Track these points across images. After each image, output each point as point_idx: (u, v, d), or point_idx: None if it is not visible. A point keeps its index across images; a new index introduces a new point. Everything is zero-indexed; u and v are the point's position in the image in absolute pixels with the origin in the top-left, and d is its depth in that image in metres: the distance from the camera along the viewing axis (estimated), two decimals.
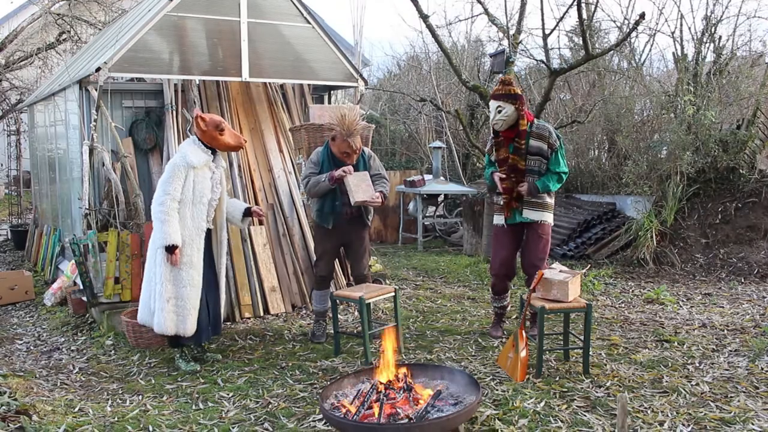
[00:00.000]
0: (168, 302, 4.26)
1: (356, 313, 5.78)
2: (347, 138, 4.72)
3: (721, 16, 8.82)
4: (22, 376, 4.32)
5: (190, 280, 4.30)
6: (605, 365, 4.34)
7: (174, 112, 5.98)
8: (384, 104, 15.57)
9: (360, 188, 4.76)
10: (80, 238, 5.41)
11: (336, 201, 4.86)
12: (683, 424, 3.40)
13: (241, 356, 4.73)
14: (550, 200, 4.89)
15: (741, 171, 7.83)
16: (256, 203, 6.08)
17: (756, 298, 6.27)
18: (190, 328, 4.32)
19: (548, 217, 4.89)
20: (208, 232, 4.49)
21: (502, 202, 4.91)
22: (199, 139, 4.38)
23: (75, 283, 5.99)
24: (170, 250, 4.20)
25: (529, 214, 4.84)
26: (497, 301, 5.15)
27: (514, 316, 5.48)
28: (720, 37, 8.77)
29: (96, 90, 5.48)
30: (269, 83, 6.47)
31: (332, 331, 4.80)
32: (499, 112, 4.67)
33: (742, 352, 4.60)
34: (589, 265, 7.50)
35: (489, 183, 5.00)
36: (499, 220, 5.00)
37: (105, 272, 5.35)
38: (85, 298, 5.53)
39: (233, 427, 3.52)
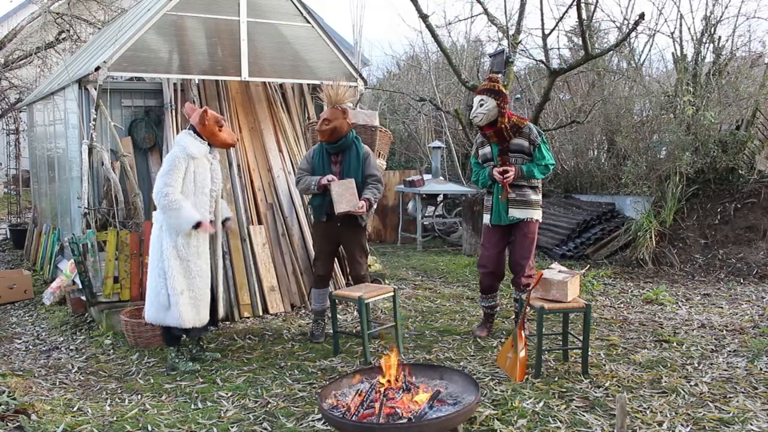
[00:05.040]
0: (182, 295, 4.28)
1: (355, 312, 5.77)
2: (332, 107, 4.72)
3: (721, 17, 8.82)
4: (21, 376, 4.31)
5: (198, 271, 4.34)
6: (604, 365, 4.34)
7: (173, 112, 5.98)
8: (383, 104, 15.56)
9: (343, 198, 4.73)
10: (79, 237, 5.41)
11: (326, 196, 4.87)
12: (682, 425, 3.40)
13: (240, 356, 4.73)
14: (536, 197, 4.92)
15: (740, 171, 7.83)
16: (256, 203, 6.09)
17: (755, 298, 6.27)
18: (203, 317, 4.39)
19: (535, 215, 4.92)
20: None
21: (491, 202, 4.98)
22: (194, 132, 4.40)
23: (74, 283, 5.99)
24: (197, 226, 4.25)
25: (515, 214, 4.86)
26: (484, 300, 5.18)
27: (512, 316, 5.48)
28: (719, 38, 8.77)
29: (95, 89, 5.48)
30: (268, 83, 6.47)
31: (331, 331, 4.80)
32: (481, 105, 4.77)
33: (741, 352, 4.60)
34: (588, 266, 7.50)
35: (486, 182, 4.99)
36: (486, 219, 5.07)
37: (104, 271, 5.35)
38: (84, 298, 5.53)
39: (232, 427, 3.51)
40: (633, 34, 9.61)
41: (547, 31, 8.67)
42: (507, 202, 4.86)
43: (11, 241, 10.13)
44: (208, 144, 4.45)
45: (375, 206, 5.07)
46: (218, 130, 4.41)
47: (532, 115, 8.57)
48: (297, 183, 5.04)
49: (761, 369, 4.24)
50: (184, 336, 4.50)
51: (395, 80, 16.30)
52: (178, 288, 4.28)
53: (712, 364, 4.37)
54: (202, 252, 4.38)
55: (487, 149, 4.94)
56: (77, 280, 5.64)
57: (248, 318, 5.70)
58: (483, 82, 4.93)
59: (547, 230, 8.75)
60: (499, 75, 8.61)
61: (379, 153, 5.66)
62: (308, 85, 6.74)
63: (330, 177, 4.81)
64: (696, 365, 4.35)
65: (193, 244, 4.32)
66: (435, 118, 13.09)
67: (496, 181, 4.85)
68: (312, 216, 5.17)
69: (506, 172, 4.76)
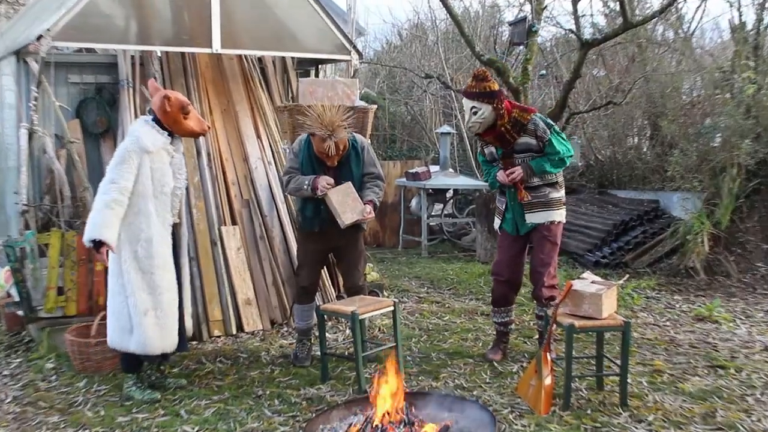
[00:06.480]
0: (146, 315, 4.24)
1: (348, 331, 5.76)
2: (327, 138, 4.66)
3: None
4: None
5: (167, 285, 4.33)
6: (647, 395, 4.33)
7: (130, 90, 5.96)
8: (382, 81, 15.58)
9: (346, 206, 4.76)
10: (16, 239, 5.38)
11: (321, 205, 4.84)
12: None
13: (209, 382, 4.71)
14: (557, 194, 4.92)
15: None
16: (229, 199, 6.07)
17: None
18: (171, 342, 4.36)
19: (556, 216, 4.92)
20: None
21: (504, 206, 5.02)
22: (154, 119, 4.38)
23: (9, 294, 5.96)
24: (97, 246, 4.15)
25: (533, 219, 4.89)
26: (497, 314, 5.18)
27: (536, 336, 5.46)
28: None
29: (37, 62, 5.45)
30: (245, 56, 6.45)
31: (318, 353, 4.78)
32: (474, 113, 4.73)
33: None
34: (628, 275, 7.47)
35: (496, 182, 4.99)
36: (497, 223, 5.13)
37: (46, 281, 5.33)
38: (21, 313, 5.51)
39: None
40: None
41: None
42: (522, 206, 4.84)
43: None
44: (171, 134, 4.43)
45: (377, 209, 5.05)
46: (183, 117, 4.39)
47: (560, 95, 8.56)
48: (286, 185, 5.00)
49: None
50: (146, 362, 4.49)
51: (396, 53, 16.32)
52: (142, 307, 4.23)
53: None
54: (167, 262, 4.35)
55: (492, 148, 4.97)
56: (13, 292, 5.62)
57: (219, 337, 5.69)
58: (470, 83, 4.80)
59: (578, 233, 8.74)
60: (521, 47, 8.60)
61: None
62: (292, 58, 6.72)
63: (327, 181, 4.77)
64: (758, 396, 4.34)
65: (158, 253, 4.29)
66: (443, 99, 13.10)
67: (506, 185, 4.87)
68: (301, 225, 5.13)
69: (512, 173, 4.78)
